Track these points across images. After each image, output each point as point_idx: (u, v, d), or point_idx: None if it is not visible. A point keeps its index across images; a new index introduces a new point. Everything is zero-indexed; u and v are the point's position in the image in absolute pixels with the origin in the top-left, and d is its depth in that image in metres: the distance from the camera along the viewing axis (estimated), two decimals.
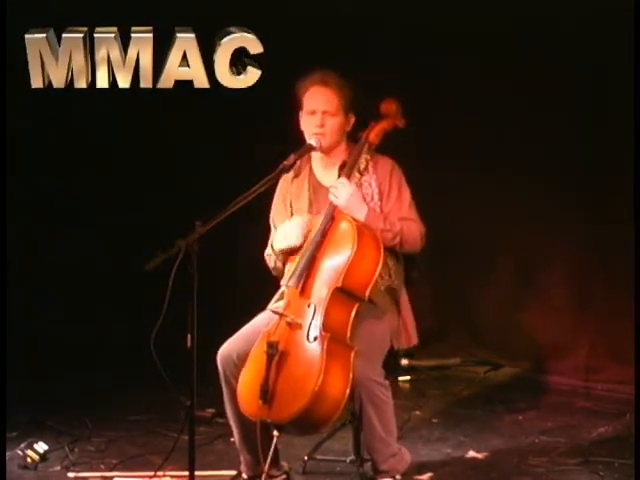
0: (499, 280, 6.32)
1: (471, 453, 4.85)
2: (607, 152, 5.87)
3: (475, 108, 6.03)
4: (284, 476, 4.36)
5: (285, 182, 4.39)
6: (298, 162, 4.29)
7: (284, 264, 4.29)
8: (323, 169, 4.35)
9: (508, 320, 6.28)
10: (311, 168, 4.37)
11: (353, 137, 4.31)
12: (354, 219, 4.13)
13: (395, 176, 4.28)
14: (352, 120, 4.28)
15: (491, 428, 5.26)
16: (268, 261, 4.36)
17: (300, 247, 4.20)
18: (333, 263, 4.08)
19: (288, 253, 4.26)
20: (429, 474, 4.47)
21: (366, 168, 4.25)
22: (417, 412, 5.51)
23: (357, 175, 4.25)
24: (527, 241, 6.18)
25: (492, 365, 6.34)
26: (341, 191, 4.16)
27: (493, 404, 5.71)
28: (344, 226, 4.11)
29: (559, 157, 5.98)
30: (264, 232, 4.44)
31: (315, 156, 4.35)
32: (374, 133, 4.28)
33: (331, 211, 4.16)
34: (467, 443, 4.99)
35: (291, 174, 4.35)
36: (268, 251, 4.35)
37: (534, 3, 5.78)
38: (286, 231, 4.25)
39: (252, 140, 6.26)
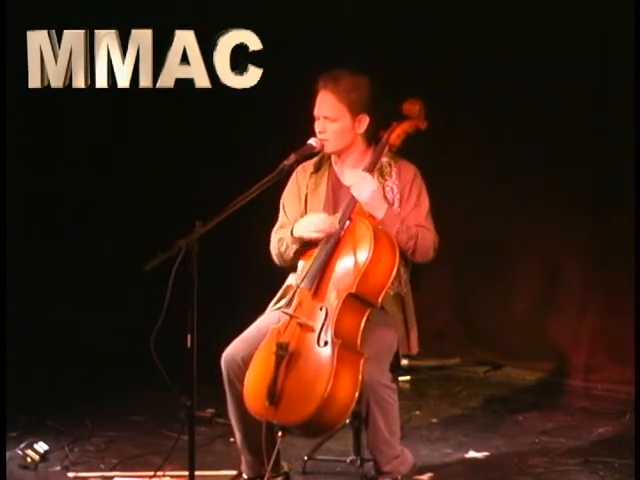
0: (499, 280, 6.32)
1: (471, 453, 4.85)
2: (608, 154, 5.87)
3: (477, 108, 6.04)
4: (283, 476, 4.35)
5: (303, 174, 4.34)
6: (319, 156, 4.29)
7: (295, 254, 4.23)
8: (343, 168, 4.31)
9: (508, 320, 6.28)
10: (331, 165, 4.33)
11: (375, 137, 4.26)
12: (371, 222, 4.08)
13: (416, 183, 4.23)
14: (365, 120, 4.21)
15: (491, 428, 5.26)
16: (279, 245, 4.26)
17: (316, 243, 4.14)
18: (348, 267, 4.03)
19: (303, 245, 4.19)
20: (429, 474, 4.46)
21: (389, 173, 4.22)
22: (417, 412, 5.51)
23: (380, 179, 4.20)
24: (528, 241, 6.18)
25: (492, 365, 6.34)
26: (364, 186, 4.09)
27: (493, 404, 5.71)
28: (361, 229, 4.06)
29: (559, 159, 5.97)
30: (267, 231, 4.43)
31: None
32: (395, 134, 4.21)
33: (348, 212, 4.12)
34: (467, 443, 4.99)
35: (311, 167, 4.33)
36: (282, 234, 4.27)
37: (537, 2, 5.79)
38: (316, 221, 4.14)
39: (252, 140, 6.26)
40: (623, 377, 5.70)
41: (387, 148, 4.21)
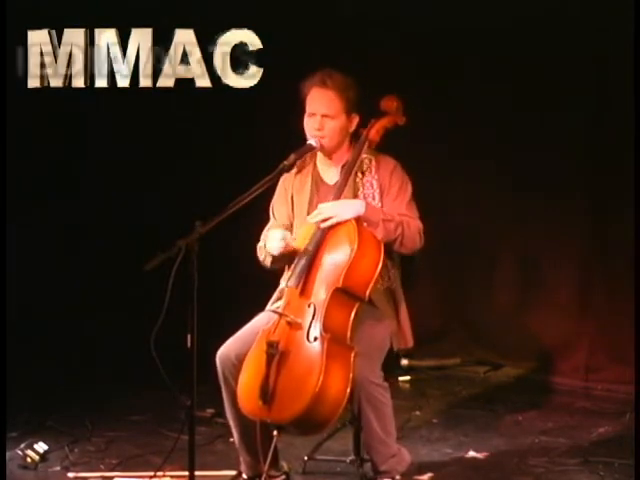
0: (499, 280, 6.32)
1: (471, 453, 4.85)
2: (609, 153, 5.88)
3: (477, 108, 6.04)
4: (284, 476, 4.36)
5: (288, 177, 4.36)
6: (302, 158, 4.29)
7: (273, 263, 4.28)
8: (326, 166, 4.33)
9: (508, 320, 6.28)
10: (315, 164, 4.36)
11: (355, 134, 4.28)
12: (354, 218, 4.10)
13: (396, 175, 4.25)
14: (355, 120, 4.25)
15: (491, 428, 5.26)
16: (259, 254, 4.34)
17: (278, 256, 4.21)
18: (333, 263, 4.07)
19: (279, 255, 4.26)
20: (429, 474, 4.47)
21: (369, 168, 4.23)
22: (417, 412, 5.51)
23: (359, 175, 4.24)
24: (528, 241, 6.18)
25: (492, 365, 6.34)
26: (330, 211, 4.11)
27: (493, 404, 5.70)
28: (345, 225, 4.09)
29: (561, 158, 5.97)
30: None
31: (319, 153, 4.33)
32: (374, 130, 4.25)
33: None
34: (467, 443, 4.99)
35: (294, 168, 4.34)
36: (261, 244, 4.34)
37: (537, 2, 5.79)
38: (272, 237, 4.22)
39: (252, 140, 6.25)
40: (623, 377, 5.70)
41: (367, 144, 4.24)
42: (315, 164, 4.36)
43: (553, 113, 5.95)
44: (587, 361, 6.04)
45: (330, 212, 4.11)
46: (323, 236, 4.13)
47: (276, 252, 4.20)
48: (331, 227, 4.12)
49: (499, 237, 6.27)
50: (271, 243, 4.21)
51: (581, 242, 6.07)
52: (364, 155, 4.24)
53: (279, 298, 4.27)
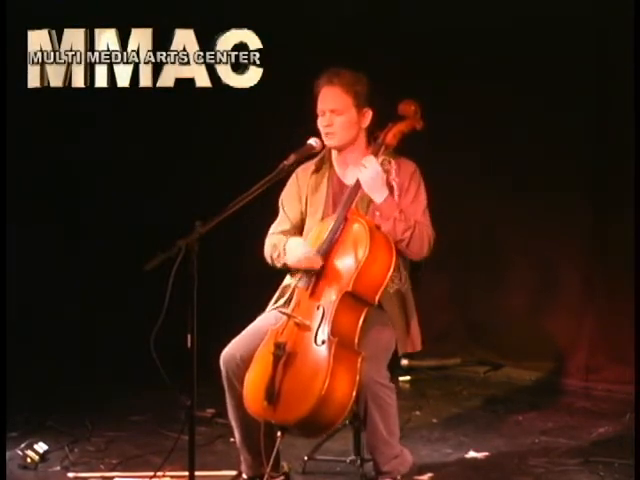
0: (499, 280, 6.32)
1: (471, 453, 4.85)
2: (609, 153, 5.88)
3: (477, 108, 6.03)
4: (283, 477, 4.35)
5: (304, 174, 4.34)
6: (320, 156, 4.29)
7: (285, 265, 4.25)
8: (344, 166, 4.31)
9: (508, 320, 6.28)
10: (332, 165, 4.34)
11: (374, 135, 4.27)
12: (368, 221, 4.10)
13: (415, 179, 4.24)
14: (368, 114, 4.23)
15: (491, 428, 5.26)
16: (272, 251, 4.28)
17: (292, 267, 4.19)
18: (344, 266, 4.05)
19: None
20: (429, 474, 4.47)
21: (389, 170, 4.21)
22: (417, 412, 5.51)
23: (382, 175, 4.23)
24: (527, 241, 6.18)
25: (492, 365, 6.34)
26: (368, 168, 4.12)
27: (493, 404, 5.71)
28: (357, 228, 4.07)
29: (561, 158, 5.98)
30: (267, 231, 4.43)
31: (336, 153, 4.31)
32: (391, 134, 4.23)
33: (344, 212, 4.12)
34: (467, 443, 4.99)
35: (311, 167, 4.33)
36: (276, 240, 4.27)
37: (537, 2, 5.80)
38: (299, 254, 4.13)
39: (252, 140, 6.25)
40: (623, 377, 5.70)
41: (383, 148, 4.23)
42: (332, 164, 4.34)
43: (553, 113, 5.95)
44: (587, 361, 6.04)
45: (367, 172, 4.11)
46: (335, 239, 4.10)
47: (291, 263, 4.17)
48: (344, 229, 4.09)
49: (499, 237, 6.26)
50: (293, 254, 4.16)
51: (581, 242, 6.07)
52: (384, 157, 4.22)
53: (281, 296, 4.27)
